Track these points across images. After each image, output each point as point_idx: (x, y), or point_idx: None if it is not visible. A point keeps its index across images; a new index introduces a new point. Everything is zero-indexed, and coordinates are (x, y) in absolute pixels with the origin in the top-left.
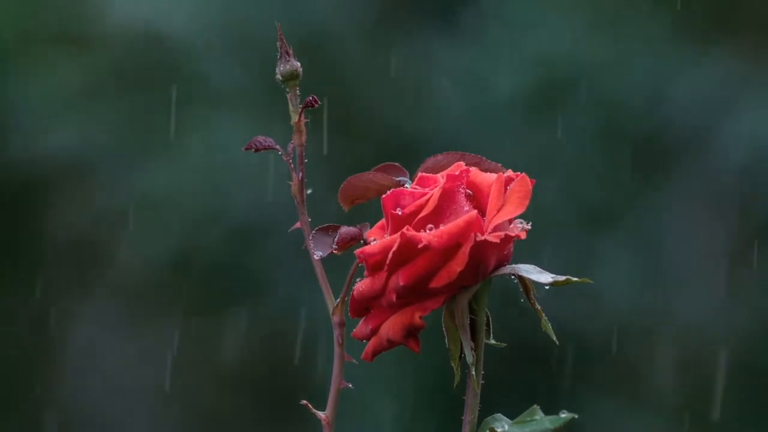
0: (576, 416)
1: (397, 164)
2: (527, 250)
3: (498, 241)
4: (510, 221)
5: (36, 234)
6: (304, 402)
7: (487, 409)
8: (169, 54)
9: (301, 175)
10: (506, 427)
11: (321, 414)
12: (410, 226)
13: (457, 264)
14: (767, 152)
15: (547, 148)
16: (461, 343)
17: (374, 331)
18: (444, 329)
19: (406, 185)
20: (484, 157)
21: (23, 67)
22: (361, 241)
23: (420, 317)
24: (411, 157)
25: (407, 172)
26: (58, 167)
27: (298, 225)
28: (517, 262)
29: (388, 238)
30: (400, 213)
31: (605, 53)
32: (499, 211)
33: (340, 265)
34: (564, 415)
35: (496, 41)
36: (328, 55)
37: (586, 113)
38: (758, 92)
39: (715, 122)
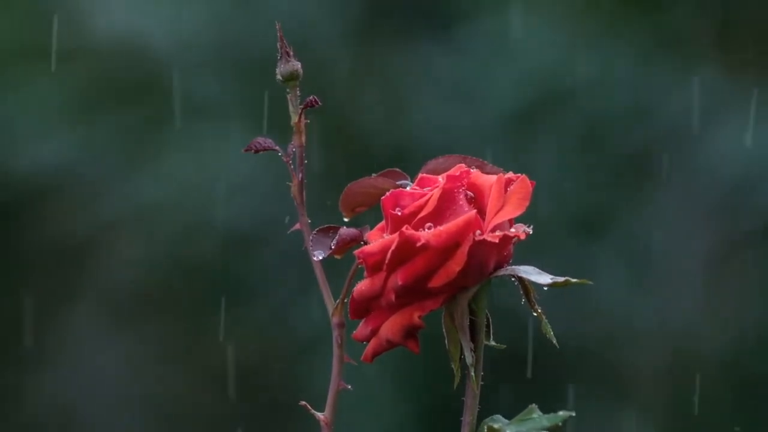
0: (573, 414)
1: (397, 169)
2: (523, 260)
3: (497, 240)
4: (510, 222)
5: (24, 246)
6: (303, 403)
7: (486, 411)
8: (153, 66)
9: (301, 176)
10: (504, 426)
11: (320, 415)
12: (409, 225)
13: (456, 263)
14: (751, 163)
15: (536, 160)
16: (461, 344)
17: (374, 332)
18: (444, 330)
19: (407, 188)
20: (485, 161)
21: (5, 82)
22: (361, 243)
23: (419, 317)
24: (397, 167)
25: (408, 177)
26: (45, 181)
27: (297, 226)
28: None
29: (387, 237)
30: (399, 213)
31: (595, 66)
32: (498, 211)
33: (340, 267)
34: (561, 413)
35: (487, 53)
36: (315, 65)
37: (575, 125)
38: (743, 106)
39: (702, 134)
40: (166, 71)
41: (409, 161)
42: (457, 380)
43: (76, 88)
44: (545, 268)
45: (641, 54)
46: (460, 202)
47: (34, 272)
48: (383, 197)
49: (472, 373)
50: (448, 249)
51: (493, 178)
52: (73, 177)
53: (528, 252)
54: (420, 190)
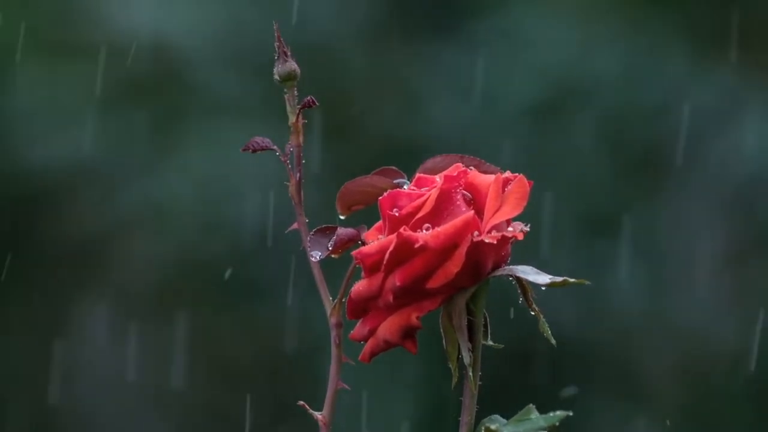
0: (570, 414)
1: (394, 168)
2: (528, 257)
3: (495, 241)
4: (508, 222)
5: (40, 241)
6: (301, 402)
7: (484, 411)
8: (167, 63)
9: (298, 175)
10: (501, 426)
11: (318, 414)
12: (407, 226)
13: (454, 264)
14: (767, 163)
15: (550, 157)
16: (459, 345)
17: (372, 333)
18: (442, 330)
19: (404, 187)
20: (483, 160)
21: (21, 76)
22: (359, 243)
23: (417, 318)
24: (410, 165)
25: (405, 175)
26: (62, 177)
27: (295, 226)
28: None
29: (385, 238)
30: (397, 214)
31: (609, 64)
32: (496, 212)
33: (338, 267)
34: (558, 413)
35: (501, 50)
36: (328, 62)
37: (590, 123)
38: (761, 105)
39: (717, 133)
40: (184, 68)
41: (422, 159)
42: (455, 380)
43: (93, 84)
44: (555, 265)
45: (659, 50)
46: (458, 203)
47: (50, 267)
48: (381, 197)
49: (470, 374)
50: (446, 250)
51: (491, 177)
52: (90, 173)
53: (537, 249)
54: (417, 191)
